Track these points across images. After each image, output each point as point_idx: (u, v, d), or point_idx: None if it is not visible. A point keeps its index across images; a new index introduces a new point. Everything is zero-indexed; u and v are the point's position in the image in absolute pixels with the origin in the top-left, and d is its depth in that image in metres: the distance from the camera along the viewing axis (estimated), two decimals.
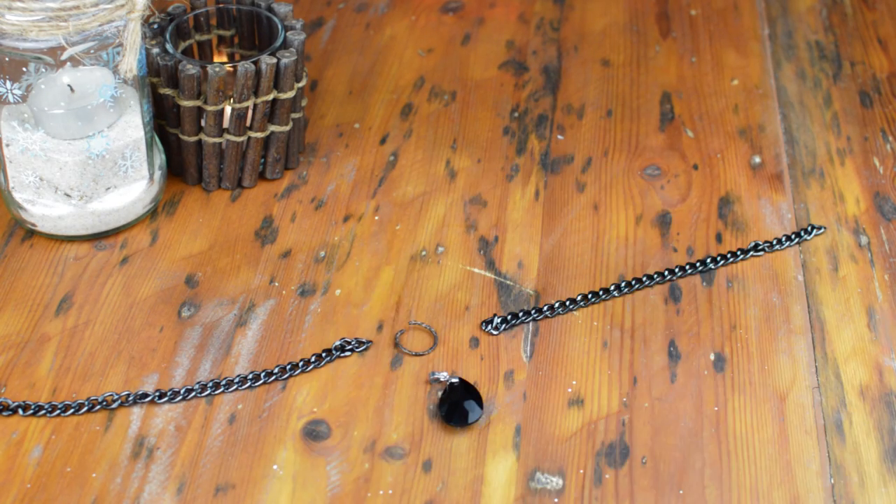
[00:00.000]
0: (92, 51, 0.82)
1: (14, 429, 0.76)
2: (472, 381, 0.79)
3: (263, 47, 0.96)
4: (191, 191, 0.94)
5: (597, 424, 0.77)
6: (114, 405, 0.77)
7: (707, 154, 0.99)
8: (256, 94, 0.90)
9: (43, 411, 0.77)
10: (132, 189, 0.89)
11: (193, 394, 0.78)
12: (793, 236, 0.90)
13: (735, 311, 0.85)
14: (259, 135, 0.92)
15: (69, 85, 0.84)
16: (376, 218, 0.92)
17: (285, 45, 0.91)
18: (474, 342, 0.82)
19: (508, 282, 0.87)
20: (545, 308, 0.84)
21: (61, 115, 0.84)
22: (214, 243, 0.89)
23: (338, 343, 0.81)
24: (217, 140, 0.91)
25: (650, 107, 1.03)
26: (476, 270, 0.88)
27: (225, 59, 0.98)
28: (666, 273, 0.87)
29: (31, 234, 0.89)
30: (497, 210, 0.93)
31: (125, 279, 0.86)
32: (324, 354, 0.81)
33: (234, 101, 0.90)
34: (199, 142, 0.92)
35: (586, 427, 0.77)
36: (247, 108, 0.91)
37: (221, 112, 0.91)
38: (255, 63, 0.89)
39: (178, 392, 0.78)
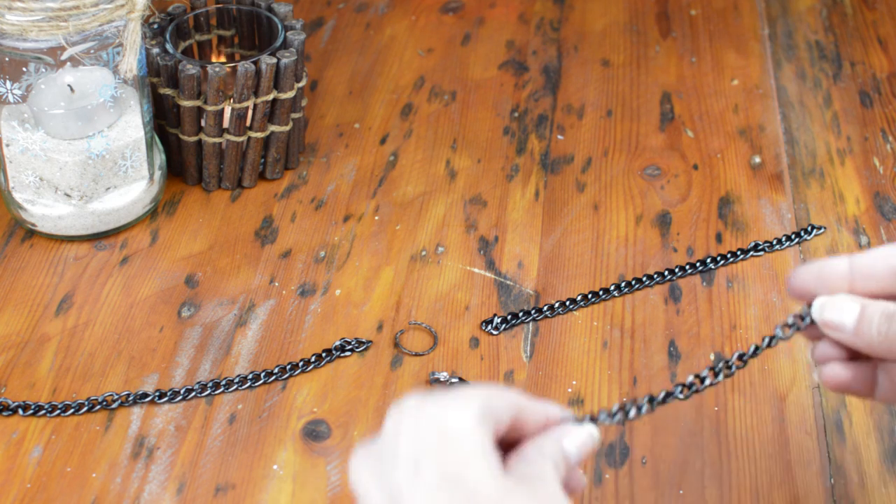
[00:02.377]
0: (92, 51, 0.82)
1: (14, 429, 0.76)
2: (472, 382, 0.79)
3: (263, 47, 0.96)
4: (191, 191, 0.94)
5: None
6: (114, 405, 0.77)
7: (707, 154, 0.98)
8: (256, 94, 0.90)
9: (43, 411, 0.77)
10: (132, 189, 0.89)
11: (193, 394, 0.78)
12: (793, 236, 0.90)
13: (735, 311, 0.85)
14: (259, 135, 0.92)
15: (69, 85, 0.84)
16: (376, 218, 0.92)
17: (285, 45, 0.91)
18: (474, 342, 0.82)
19: (508, 282, 0.87)
20: (545, 308, 0.84)
21: (61, 115, 0.84)
22: (214, 243, 0.89)
23: (338, 343, 0.81)
24: (217, 140, 0.91)
25: (650, 107, 1.03)
26: (476, 270, 0.87)
27: (225, 59, 0.98)
28: (666, 273, 0.87)
29: (31, 234, 0.89)
30: (497, 210, 0.93)
31: (125, 279, 0.86)
32: (324, 354, 0.81)
33: (234, 101, 0.90)
34: (199, 142, 0.92)
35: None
36: (247, 108, 0.91)
37: (221, 112, 0.91)
38: (255, 63, 0.89)
39: (178, 392, 0.78)
